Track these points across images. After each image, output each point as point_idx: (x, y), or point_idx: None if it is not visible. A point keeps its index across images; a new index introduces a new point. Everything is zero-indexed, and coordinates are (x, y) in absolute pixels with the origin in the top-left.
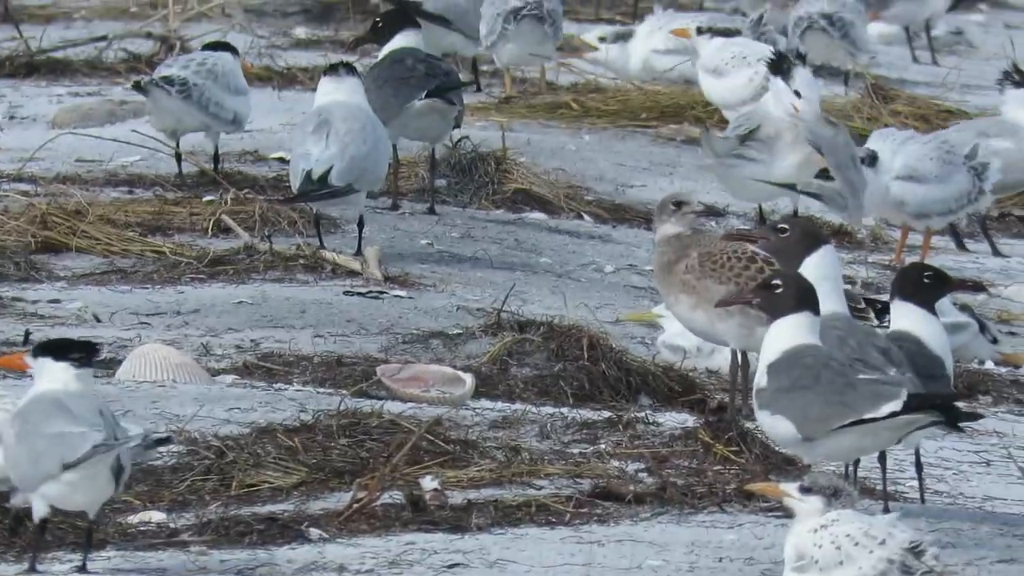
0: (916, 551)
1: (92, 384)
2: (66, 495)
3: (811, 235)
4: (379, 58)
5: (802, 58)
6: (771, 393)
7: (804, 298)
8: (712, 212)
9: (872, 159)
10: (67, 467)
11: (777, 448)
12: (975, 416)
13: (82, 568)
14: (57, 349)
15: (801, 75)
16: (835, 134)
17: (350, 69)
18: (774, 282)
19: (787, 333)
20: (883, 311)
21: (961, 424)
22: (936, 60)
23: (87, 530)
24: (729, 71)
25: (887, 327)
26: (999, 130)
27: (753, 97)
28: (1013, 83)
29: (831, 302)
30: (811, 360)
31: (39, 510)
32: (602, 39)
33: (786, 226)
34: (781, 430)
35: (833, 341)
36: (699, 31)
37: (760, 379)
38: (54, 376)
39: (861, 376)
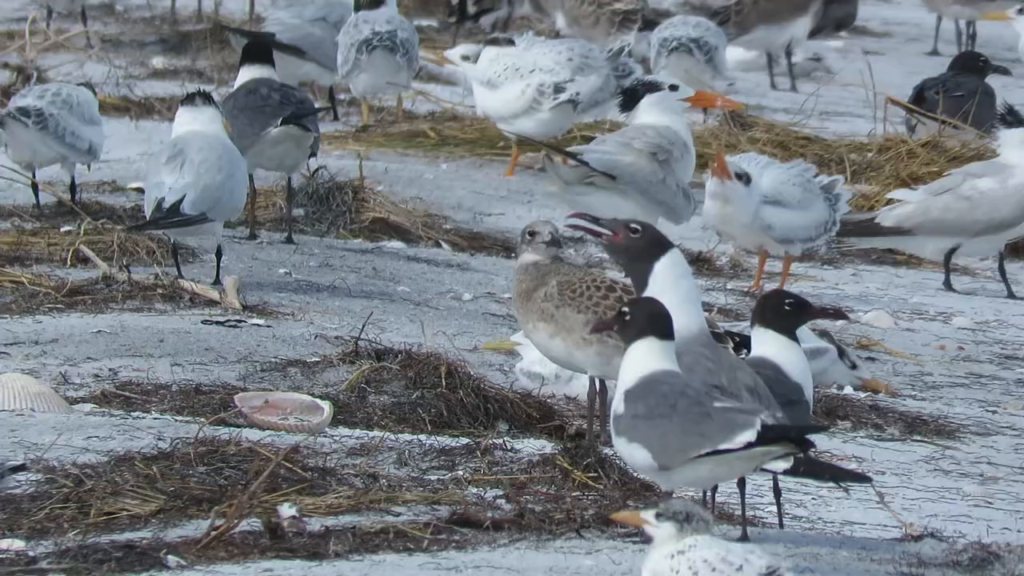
0: None
1: None
2: None
3: (662, 239)
4: (234, 89)
5: (674, 87)
6: (628, 420)
7: (655, 323)
8: (555, 243)
9: (747, 178)
10: None
11: (635, 474)
12: (821, 429)
13: None
14: None
15: (650, 101)
16: (635, 159)
17: (207, 99)
18: (623, 308)
19: (641, 359)
20: (741, 344)
21: (808, 449)
22: (795, 86)
23: None
24: (502, 83)
25: (745, 356)
26: (985, 170)
27: (525, 110)
28: (1006, 124)
29: (689, 312)
30: (667, 388)
31: None
32: (465, 58)
33: (639, 227)
34: (638, 458)
35: (698, 366)
36: (464, 58)
37: (617, 406)
38: None
39: (717, 405)
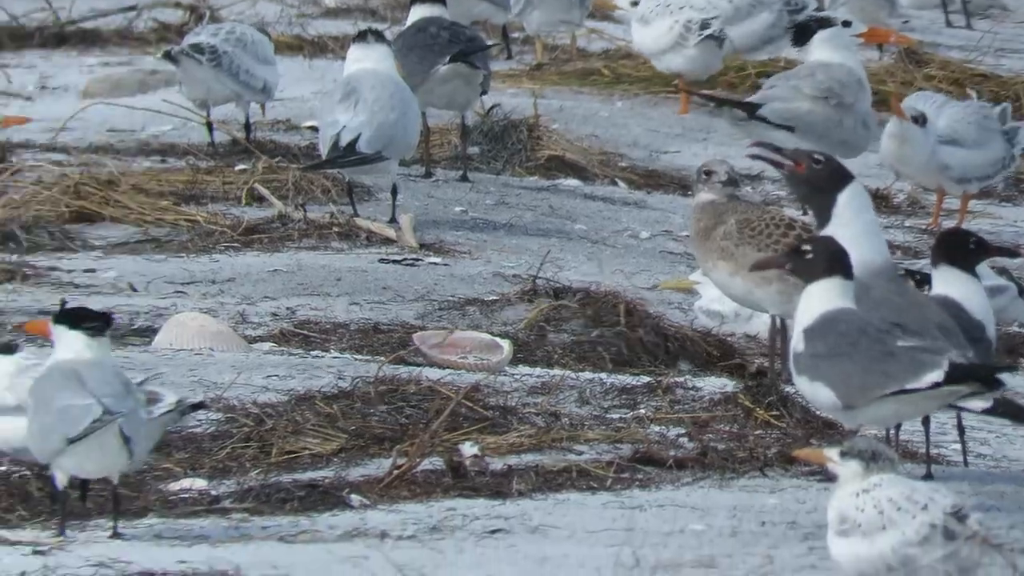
0: (959, 516)
1: (109, 352)
2: (79, 466)
3: (844, 171)
4: (404, 28)
5: (847, 23)
6: (808, 359)
7: (836, 262)
8: (732, 182)
9: (923, 119)
10: (71, 441)
11: (818, 412)
12: (1010, 368)
13: (115, 534)
14: (72, 318)
15: (823, 37)
16: (812, 107)
17: (379, 37)
18: (804, 247)
19: (820, 297)
20: (922, 282)
21: (998, 389)
22: (970, 24)
23: (113, 496)
24: (653, 19)
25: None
26: None
27: (672, 45)
28: None
29: (873, 244)
30: (847, 327)
31: (60, 479)
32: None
33: (821, 157)
34: (821, 397)
35: (886, 303)
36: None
37: (797, 344)
38: (69, 344)
39: (900, 344)
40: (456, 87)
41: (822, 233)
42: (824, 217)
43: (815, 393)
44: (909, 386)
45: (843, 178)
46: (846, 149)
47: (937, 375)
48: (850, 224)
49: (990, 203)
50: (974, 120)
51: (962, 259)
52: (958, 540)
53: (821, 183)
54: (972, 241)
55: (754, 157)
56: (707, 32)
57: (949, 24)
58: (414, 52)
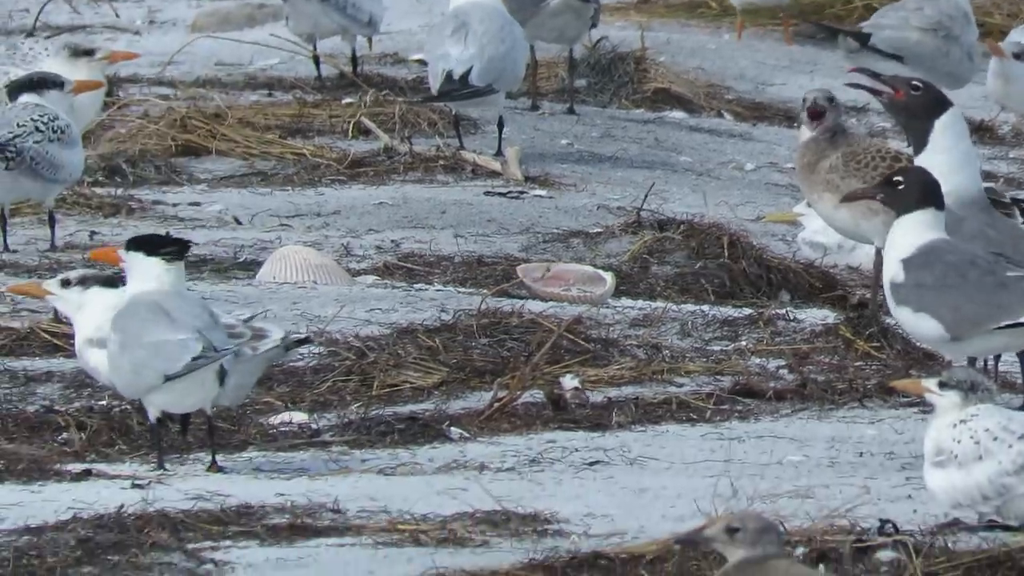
0: None
1: (184, 281)
2: (172, 401)
3: (943, 97)
4: None
5: None
6: (911, 290)
7: (929, 193)
8: (816, 115)
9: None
10: (168, 379)
11: (918, 344)
12: None
13: (213, 465)
14: (149, 244)
15: None
16: (920, 38)
17: None
18: (896, 178)
19: (914, 229)
20: None
21: None
22: None
23: (209, 428)
24: None
25: None
26: None
27: None
28: None
29: (969, 173)
30: (954, 258)
31: (152, 412)
32: None
33: (920, 84)
34: (925, 328)
35: (981, 235)
36: None
37: (896, 275)
38: (147, 273)
39: (1010, 274)
40: (566, 20)
41: (918, 161)
42: (921, 144)
43: (918, 324)
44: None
45: (941, 104)
46: (952, 80)
47: None
48: (947, 151)
49: None
50: None
51: None
52: None
53: (919, 110)
54: None
55: (854, 86)
56: None
57: None
58: None
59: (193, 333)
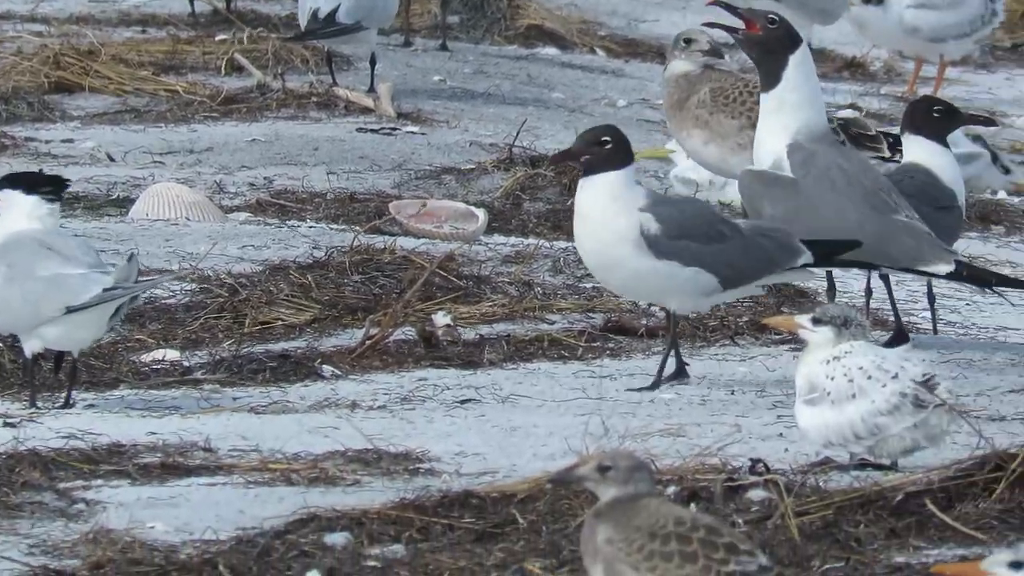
0: (929, 384)
1: (59, 218)
2: (63, 336)
3: (796, 33)
4: None
5: None
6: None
7: (630, 152)
8: (716, 52)
9: None
10: (71, 310)
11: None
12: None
13: (67, 403)
14: (28, 183)
15: None
16: None
17: None
18: (604, 138)
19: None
20: (895, 144)
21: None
22: None
23: (71, 367)
24: None
25: (898, 161)
26: None
27: None
28: None
29: (820, 108)
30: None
31: (31, 348)
32: None
33: (776, 18)
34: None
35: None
36: None
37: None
38: (24, 211)
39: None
40: None
41: (768, 96)
42: (774, 80)
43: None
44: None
45: (795, 40)
46: (824, 16)
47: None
48: (799, 88)
49: (965, 70)
50: None
51: (930, 127)
52: (927, 409)
53: (775, 44)
54: (941, 109)
55: (711, 25)
56: None
57: None
58: None
59: (91, 267)
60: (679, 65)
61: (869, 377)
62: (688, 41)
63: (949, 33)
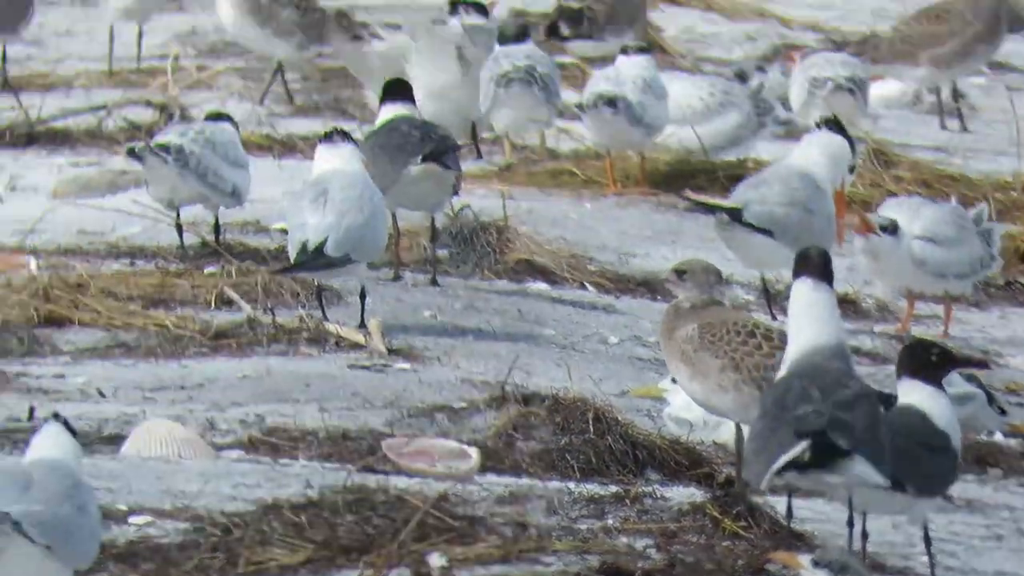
0: None
1: None
2: None
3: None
4: (374, 127)
5: (831, 123)
6: None
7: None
8: (708, 284)
9: (893, 228)
10: None
11: (784, 523)
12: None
13: None
14: None
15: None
16: (788, 211)
17: (346, 136)
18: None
19: None
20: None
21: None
22: (944, 123)
23: None
24: None
25: None
26: None
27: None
28: None
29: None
30: None
31: None
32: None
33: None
34: None
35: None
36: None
37: None
38: None
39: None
40: (428, 188)
41: None
42: None
43: None
44: None
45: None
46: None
47: None
48: None
49: (959, 308)
50: (951, 219)
51: (927, 371)
52: None
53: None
54: (936, 353)
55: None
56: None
57: (943, 127)
58: (385, 152)
59: None
60: (679, 295)
61: None
62: (679, 273)
63: (951, 270)
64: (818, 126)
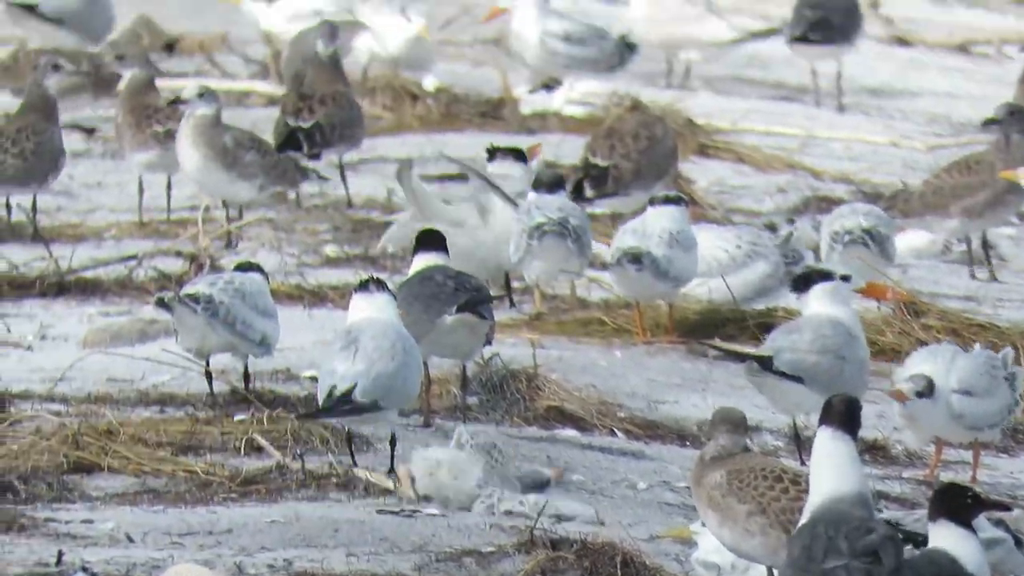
0: None
1: None
2: None
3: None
4: (408, 276)
5: (846, 278)
6: None
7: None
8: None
9: (929, 389)
10: None
11: None
12: None
13: None
14: None
15: (822, 290)
16: (818, 359)
17: (381, 285)
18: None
19: None
20: (920, 545)
21: None
22: (974, 273)
23: None
24: None
25: None
26: None
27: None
28: None
29: None
30: None
31: None
32: None
33: None
34: None
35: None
36: None
37: None
38: None
39: None
40: (462, 337)
41: None
42: None
43: None
44: None
45: None
46: (851, 392)
47: None
48: None
49: (986, 454)
50: (985, 370)
51: (958, 514)
52: None
53: None
54: (968, 496)
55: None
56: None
57: (973, 276)
58: (419, 301)
59: None
60: (712, 442)
61: None
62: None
63: (985, 422)
64: (844, 279)
